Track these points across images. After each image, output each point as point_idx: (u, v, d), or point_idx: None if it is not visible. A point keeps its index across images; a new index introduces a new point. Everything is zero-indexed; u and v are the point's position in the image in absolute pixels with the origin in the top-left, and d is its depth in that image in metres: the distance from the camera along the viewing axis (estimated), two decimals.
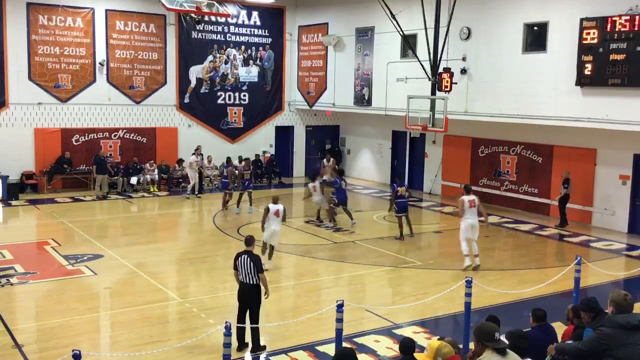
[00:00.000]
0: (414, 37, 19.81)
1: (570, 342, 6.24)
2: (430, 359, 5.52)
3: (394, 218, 16.51)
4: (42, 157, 21.59)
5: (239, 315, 9.11)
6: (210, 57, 24.61)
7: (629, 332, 5.51)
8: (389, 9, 18.16)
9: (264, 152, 25.62)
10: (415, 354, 6.06)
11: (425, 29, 17.80)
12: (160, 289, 11.93)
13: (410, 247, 15.60)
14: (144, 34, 23.13)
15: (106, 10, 22.29)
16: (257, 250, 9.63)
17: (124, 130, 23.05)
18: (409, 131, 20.25)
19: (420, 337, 9.49)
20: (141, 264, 13.48)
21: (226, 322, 7.43)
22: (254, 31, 25.51)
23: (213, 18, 23.97)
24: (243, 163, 19.84)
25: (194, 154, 22.04)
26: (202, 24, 23.84)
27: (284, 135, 26.73)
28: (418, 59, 18.23)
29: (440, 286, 11.61)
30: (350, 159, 26.86)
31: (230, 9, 24.05)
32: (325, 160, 22.32)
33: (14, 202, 19.82)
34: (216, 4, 21.39)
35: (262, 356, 8.99)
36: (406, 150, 24.27)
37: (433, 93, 18.02)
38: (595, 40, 15.50)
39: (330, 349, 8.72)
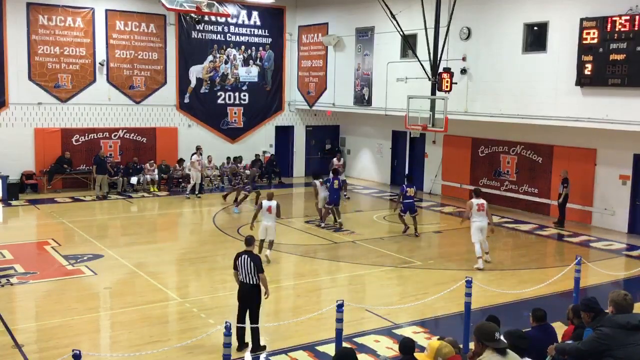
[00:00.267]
0: (414, 37, 19.81)
1: (570, 342, 6.24)
2: (431, 359, 5.51)
3: (395, 218, 16.55)
4: (42, 157, 21.59)
5: (239, 315, 9.11)
6: (210, 57, 24.61)
7: (629, 332, 5.51)
8: (389, 9, 18.16)
9: (264, 152, 25.62)
10: (415, 354, 6.06)
11: (425, 29, 17.80)
12: (160, 289, 11.93)
13: (410, 247, 15.60)
14: (144, 34, 23.13)
15: (106, 10, 22.29)
16: (257, 250, 9.61)
17: (124, 130, 23.05)
18: (409, 131, 20.25)
19: (420, 337, 9.50)
20: (141, 264, 13.48)
21: (226, 322, 7.43)
22: (254, 31, 25.51)
23: (213, 18, 23.98)
24: (256, 165, 20.46)
25: (195, 153, 22.04)
26: (202, 24, 23.84)
27: (284, 135, 26.73)
28: (418, 59, 18.23)
29: (440, 286, 11.60)
30: (350, 159, 26.86)
31: (230, 9, 24.06)
32: (335, 159, 22.85)
33: (14, 202, 19.82)
34: (216, 4, 21.38)
35: (262, 356, 8.99)
36: (406, 150, 24.28)
37: (433, 93, 18.02)
38: (595, 40, 15.50)
39: (330, 349, 8.72)
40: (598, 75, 15.56)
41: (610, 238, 16.65)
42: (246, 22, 25.29)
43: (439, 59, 17.84)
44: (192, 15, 21.86)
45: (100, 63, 22.33)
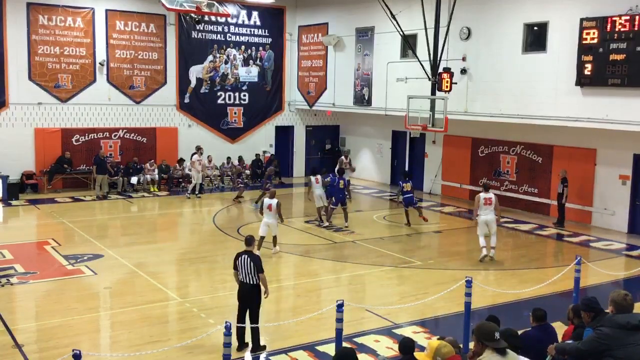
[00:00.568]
0: (414, 37, 19.81)
1: (570, 342, 6.24)
2: (430, 359, 5.51)
3: (395, 218, 16.63)
4: (42, 157, 21.60)
5: (238, 315, 9.11)
6: (210, 57, 24.62)
7: (629, 332, 5.51)
8: (389, 9, 18.17)
9: (264, 152, 25.59)
10: (415, 354, 6.06)
11: (425, 29, 17.81)
12: (160, 288, 11.93)
13: (410, 247, 15.61)
14: (144, 34, 23.13)
15: (106, 10, 22.29)
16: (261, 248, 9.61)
17: (124, 130, 23.05)
18: (409, 131, 20.25)
19: (420, 337, 9.50)
20: (141, 264, 13.48)
21: (226, 322, 7.43)
22: (254, 31, 25.52)
23: (213, 18, 23.98)
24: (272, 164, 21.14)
25: (195, 153, 22.04)
26: (202, 24, 23.84)
27: (284, 135, 26.73)
28: (418, 59, 18.24)
29: (440, 286, 11.60)
30: (350, 159, 26.82)
31: (230, 9, 24.06)
32: (343, 157, 23.06)
33: (14, 202, 19.82)
34: (216, 4, 21.39)
35: (262, 356, 8.99)
36: (406, 150, 24.28)
37: (433, 93, 18.03)
38: (595, 40, 15.50)
39: (330, 349, 8.72)
40: (598, 75, 15.56)
41: (610, 238, 16.65)
42: (246, 22, 25.29)
43: (439, 59, 17.85)
44: (192, 15, 21.87)
45: (100, 63, 22.33)
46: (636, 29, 14.73)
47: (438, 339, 6.16)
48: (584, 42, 15.78)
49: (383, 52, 22.22)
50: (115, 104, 22.84)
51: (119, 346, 9.28)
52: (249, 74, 25.59)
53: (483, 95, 18.66)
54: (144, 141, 23.45)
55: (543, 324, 7.12)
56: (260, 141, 25.87)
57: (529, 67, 17.46)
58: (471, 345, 5.91)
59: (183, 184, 22.88)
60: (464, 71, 18.95)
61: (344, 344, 8.24)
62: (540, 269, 13.73)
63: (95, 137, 22.55)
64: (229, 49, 25.00)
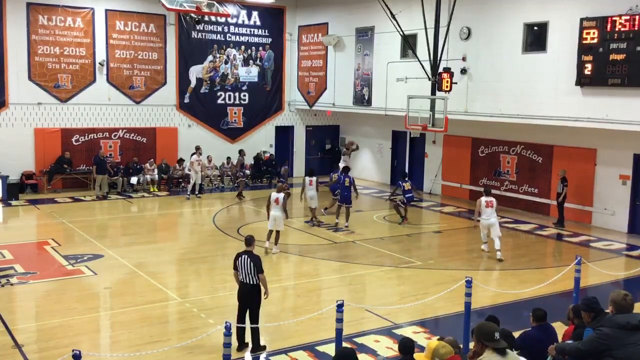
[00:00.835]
0: (414, 37, 19.81)
1: (570, 342, 6.24)
2: (428, 359, 5.50)
3: (396, 218, 16.68)
4: (42, 157, 21.59)
5: (238, 315, 9.11)
6: (210, 57, 24.61)
7: (629, 332, 5.51)
8: (389, 9, 18.16)
9: (264, 152, 25.56)
10: (415, 355, 6.06)
11: (425, 29, 17.80)
12: (160, 289, 11.93)
13: (410, 247, 15.62)
14: (144, 34, 23.13)
15: (106, 10, 22.29)
16: (257, 250, 9.61)
17: (124, 130, 23.05)
18: (409, 131, 20.25)
19: (420, 337, 9.50)
20: (141, 264, 13.48)
21: (226, 322, 7.43)
22: (254, 31, 25.52)
23: (213, 18, 23.98)
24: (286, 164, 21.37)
25: (194, 153, 22.04)
26: (202, 24, 23.84)
27: (284, 135, 26.73)
28: (418, 59, 18.24)
29: (440, 286, 11.60)
30: (350, 159, 26.82)
31: (230, 9, 24.05)
32: (347, 156, 22.82)
33: (14, 202, 19.82)
34: (216, 4, 21.38)
35: (262, 356, 9.00)
36: (406, 150, 24.28)
37: (433, 93, 18.03)
38: (595, 40, 15.50)
39: (330, 349, 8.72)
40: (598, 75, 15.56)
41: (610, 238, 16.65)
42: (246, 22, 25.29)
43: (439, 59, 17.85)
44: (192, 15, 21.87)
45: (100, 63, 22.33)
46: (636, 29, 14.73)
47: (438, 339, 6.15)
48: (584, 42, 15.78)
49: (383, 52, 22.21)
50: (115, 104, 22.84)
51: (119, 346, 9.28)
52: (249, 74, 25.59)
53: (483, 95, 18.66)
54: (144, 141, 23.45)
55: (543, 324, 7.12)
56: (260, 141, 25.87)
57: (529, 67, 17.46)
58: (471, 345, 5.91)
59: (183, 184, 22.88)
60: (464, 71, 18.94)
61: (344, 344, 8.24)
62: (540, 269, 13.73)
63: (95, 137, 22.55)
64: (229, 49, 25.00)
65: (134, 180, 22.19)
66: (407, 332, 9.65)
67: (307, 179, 17.78)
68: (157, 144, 23.64)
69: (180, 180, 23.12)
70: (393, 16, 18.20)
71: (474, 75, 18.89)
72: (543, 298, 10.99)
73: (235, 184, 22.62)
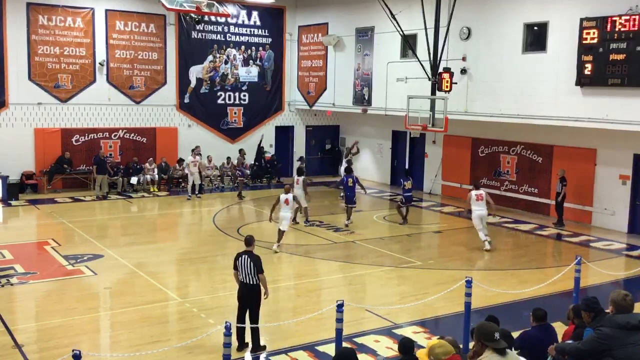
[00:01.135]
0: (414, 37, 19.81)
1: (570, 342, 6.24)
2: (427, 358, 5.48)
3: (395, 217, 16.70)
4: (42, 157, 21.59)
5: (238, 315, 9.11)
6: (210, 57, 24.61)
7: (629, 332, 5.51)
8: (389, 9, 18.17)
9: (265, 151, 25.51)
10: (418, 352, 6.04)
11: (425, 29, 17.81)
12: (160, 289, 11.93)
13: (410, 247, 15.62)
14: (144, 34, 23.13)
15: (106, 10, 22.29)
16: (257, 250, 9.61)
17: (124, 130, 23.05)
18: (409, 131, 20.25)
19: (420, 337, 9.51)
20: (141, 264, 13.48)
21: (226, 322, 7.43)
22: (254, 31, 25.52)
23: (213, 18, 23.97)
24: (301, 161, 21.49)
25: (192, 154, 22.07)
26: (202, 24, 23.83)
27: (284, 135, 26.73)
28: (418, 59, 18.24)
29: (440, 286, 11.60)
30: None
31: (230, 9, 24.05)
32: (349, 159, 22.88)
33: (14, 202, 19.82)
34: (216, 4, 21.38)
35: (262, 356, 9.00)
36: (406, 150, 24.28)
37: (433, 93, 18.03)
38: (595, 40, 15.50)
39: (330, 349, 8.72)
40: (598, 75, 15.56)
41: (610, 238, 16.65)
42: (246, 22, 25.29)
43: (439, 59, 17.85)
44: (192, 15, 21.85)
45: (100, 63, 22.33)
46: (636, 29, 14.73)
47: (438, 339, 6.14)
48: (584, 42, 15.78)
49: (383, 52, 22.21)
50: (115, 104, 22.83)
51: (119, 346, 9.28)
52: (249, 74, 25.59)
53: (483, 95, 18.65)
54: (144, 141, 23.45)
55: (543, 324, 7.12)
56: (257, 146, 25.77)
57: (529, 67, 17.46)
58: (471, 345, 5.91)
59: (183, 184, 22.87)
60: (464, 71, 18.94)
61: (344, 344, 8.24)
62: (540, 269, 13.73)
63: (95, 137, 22.55)
64: (229, 49, 25.00)
65: (134, 180, 22.19)
66: (407, 332, 9.65)
67: (295, 177, 17.82)
68: (157, 144, 23.64)
69: (180, 180, 23.11)
70: (393, 16, 18.20)
71: (474, 75, 18.89)
72: (543, 298, 10.99)
73: (235, 184, 22.60)
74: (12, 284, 11.94)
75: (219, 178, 23.95)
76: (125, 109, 23.08)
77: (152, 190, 22.38)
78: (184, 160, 23.00)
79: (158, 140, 23.66)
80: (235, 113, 25.41)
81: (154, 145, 23.57)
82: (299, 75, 26.52)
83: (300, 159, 24.16)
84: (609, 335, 5.55)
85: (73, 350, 6.14)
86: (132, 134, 23.23)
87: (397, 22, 18.32)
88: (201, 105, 24.59)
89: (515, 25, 17.79)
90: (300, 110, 26.83)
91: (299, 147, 27.09)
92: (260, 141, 24.96)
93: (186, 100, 24.27)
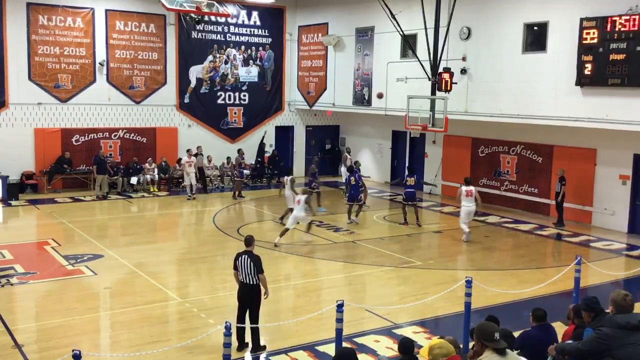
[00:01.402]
0: (414, 37, 19.82)
1: (570, 342, 6.24)
2: (426, 357, 5.46)
3: (395, 218, 16.70)
4: (42, 157, 21.59)
5: (238, 315, 9.11)
6: (210, 57, 24.62)
7: (629, 332, 5.51)
8: (389, 9, 18.18)
9: (265, 151, 25.54)
10: (420, 350, 6.03)
11: (425, 29, 17.81)
12: (160, 289, 11.93)
13: (410, 247, 15.62)
14: (144, 34, 23.13)
15: (106, 10, 22.29)
16: (257, 249, 9.61)
17: (124, 130, 23.05)
18: (409, 131, 20.25)
19: (420, 337, 9.50)
20: (141, 264, 13.48)
21: (226, 322, 7.43)
22: (253, 31, 25.52)
23: (213, 18, 23.97)
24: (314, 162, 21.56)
25: (196, 154, 22.04)
26: (202, 24, 23.84)
27: (284, 135, 26.73)
28: (418, 59, 18.25)
29: (440, 286, 11.60)
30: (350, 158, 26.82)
31: (230, 9, 24.05)
32: (347, 154, 23.44)
33: (14, 202, 19.82)
34: (216, 4, 21.38)
35: (262, 356, 8.99)
36: (406, 150, 24.29)
37: (433, 93, 18.03)
38: (595, 40, 15.50)
39: (330, 349, 8.72)
40: (598, 75, 15.56)
41: (610, 238, 16.65)
42: (246, 22, 25.29)
43: (439, 59, 17.85)
44: (192, 15, 21.85)
45: (100, 63, 22.33)
46: (636, 29, 14.73)
47: (438, 338, 6.13)
48: (584, 42, 15.78)
49: (383, 52, 22.21)
50: (115, 104, 22.84)
51: (119, 346, 9.28)
52: (249, 74, 25.59)
53: (483, 95, 18.66)
54: (144, 141, 23.45)
55: (543, 324, 7.12)
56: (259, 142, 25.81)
57: (529, 67, 17.46)
58: (471, 345, 5.91)
59: (183, 184, 22.84)
60: (464, 71, 18.94)
61: (344, 344, 8.24)
62: (540, 269, 13.73)
63: (95, 137, 22.55)
64: (229, 49, 25.00)
65: (134, 180, 22.19)
66: (407, 332, 9.65)
67: (286, 177, 17.84)
68: (157, 144, 23.64)
69: (180, 180, 23.08)
70: (393, 16, 18.21)
71: (474, 75, 18.89)
72: (543, 298, 10.98)
73: (233, 179, 22.50)
74: (12, 284, 11.93)
75: (219, 178, 23.94)
76: (125, 109, 23.08)
77: (152, 190, 22.38)
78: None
79: (158, 140, 23.66)
80: (235, 113, 25.41)
81: (154, 145, 23.57)
82: (299, 75, 26.52)
83: (313, 161, 23.92)
84: (609, 335, 5.55)
85: (73, 350, 6.14)
86: (132, 134, 23.23)
87: (397, 22, 18.32)
88: (201, 105, 24.59)
89: (515, 25, 17.79)
90: (300, 110, 26.83)
91: (299, 147, 27.10)
92: (263, 138, 25.02)
93: (186, 100, 24.27)
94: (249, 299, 9.05)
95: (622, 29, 14.98)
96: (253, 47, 25.56)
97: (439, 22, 17.69)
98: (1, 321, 9.97)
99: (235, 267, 9.19)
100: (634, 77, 14.86)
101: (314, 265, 13.97)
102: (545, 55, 17.08)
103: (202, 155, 22.63)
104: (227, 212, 19.72)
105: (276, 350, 9.13)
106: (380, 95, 21.88)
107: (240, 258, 9.16)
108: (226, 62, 25.01)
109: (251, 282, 9.02)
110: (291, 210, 17.16)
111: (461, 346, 7.17)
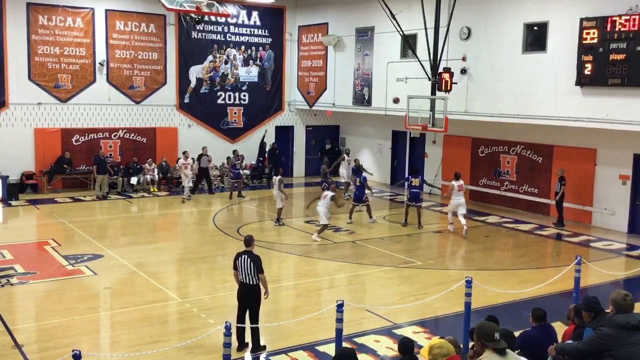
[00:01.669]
0: (414, 37, 19.82)
1: (570, 342, 6.24)
2: (426, 357, 5.46)
3: (395, 217, 16.67)
4: (42, 157, 21.59)
5: (238, 315, 9.11)
6: (210, 57, 24.61)
7: (629, 332, 5.51)
8: (389, 9, 18.18)
9: (266, 150, 25.50)
10: (421, 350, 6.03)
11: (425, 29, 17.81)
12: (160, 289, 11.93)
13: (410, 247, 15.62)
14: (144, 34, 23.13)
15: (106, 10, 22.29)
16: (257, 250, 9.61)
17: (124, 130, 23.05)
18: (409, 131, 20.25)
19: (420, 337, 9.51)
20: (141, 264, 13.48)
21: (226, 322, 7.43)
22: (253, 31, 25.52)
23: (213, 18, 23.97)
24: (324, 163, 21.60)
25: (201, 155, 22.06)
26: (202, 24, 23.83)
27: (284, 135, 26.73)
28: (418, 59, 18.25)
29: (440, 286, 11.61)
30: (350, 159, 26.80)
31: (230, 9, 24.05)
32: (345, 155, 23.09)
33: (14, 202, 19.82)
34: (216, 4, 21.38)
35: (262, 356, 9.00)
36: (406, 150, 24.28)
37: (433, 93, 18.03)
38: (595, 40, 15.50)
39: (330, 349, 8.72)
40: (598, 75, 15.56)
41: (610, 238, 16.65)
42: (246, 22, 25.29)
43: (439, 59, 17.85)
44: (192, 15, 21.85)
45: (100, 63, 22.33)
46: (636, 29, 14.73)
47: (439, 338, 6.12)
48: (584, 42, 15.78)
49: (383, 52, 22.21)
50: (115, 104, 22.83)
51: (119, 346, 9.28)
52: (249, 74, 25.59)
53: (483, 95, 18.65)
54: (144, 141, 23.45)
55: (543, 324, 7.12)
56: (260, 141, 25.82)
57: (529, 67, 17.46)
58: (471, 345, 5.91)
59: (182, 185, 22.80)
60: (464, 71, 18.94)
61: (344, 344, 8.24)
62: (540, 269, 13.73)
63: (95, 137, 22.55)
64: (229, 49, 25.00)
65: (134, 180, 22.19)
66: (407, 332, 9.65)
67: (274, 177, 17.89)
68: (157, 144, 23.64)
69: (180, 180, 23.06)
70: (393, 16, 18.21)
71: (474, 75, 18.89)
72: (543, 298, 10.99)
73: (235, 185, 22.44)
74: (12, 284, 11.94)
75: (219, 178, 23.93)
76: (125, 109, 23.07)
77: (152, 190, 22.38)
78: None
79: (158, 140, 23.66)
80: (235, 113, 25.41)
81: (154, 145, 23.57)
82: (299, 75, 26.52)
83: (324, 161, 23.81)
84: (609, 335, 5.55)
85: (73, 350, 6.14)
86: (132, 134, 23.23)
87: (397, 22, 18.32)
88: (201, 105, 24.59)
89: (515, 25, 17.79)
90: (300, 110, 26.83)
91: (299, 147, 27.10)
92: (263, 137, 25.01)
93: (186, 100, 24.27)
94: (249, 299, 9.05)
95: (622, 29, 14.98)
96: (253, 47, 25.56)
97: (439, 22, 17.69)
98: (1, 321, 9.97)
99: (235, 267, 9.19)
100: (634, 77, 14.86)
101: (314, 265, 13.97)
102: (545, 55, 17.08)
103: (208, 155, 22.55)
104: (227, 212, 19.72)
105: (276, 350, 9.13)
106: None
107: (240, 258, 9.16)
108: (226, 62, 25.00)
109: (251, 282, 9.02)
110: (281, 210, 17.22)
111: (461, 346, 7.17)
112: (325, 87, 25.12)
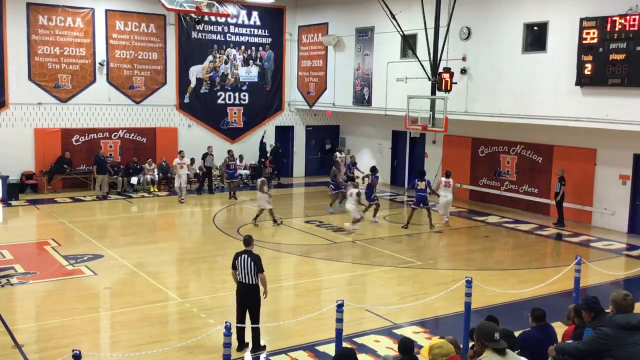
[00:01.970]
0: (414, 37, 19.82)
1: (570, 342, 6.24)
2: (426, 357, 5.46)
3: (395, 218, 16.65)
4: (42, 157, 21.59)
5: (238, 315, 9.10)
6: (210, 57, 24.61)
7: (629, 332, 5.51)
8: (389, 9, 18.18)
9: (266, 151, 25.50)
10: (421, 350, 6.03)
11: (425, 29, 17.82)
12: (160, 289, 11.93)
13: (410, 247, 15.62)
14: (144, 34, 23.13)
15: (106, 11, 22.29)
16: (257, 249, 9.61)
17: (124, 130, 23.05)
18: (409, 131, 20.25)
19: (420, 337, 9.51)
20: (141, 264, 13.48)
21: (226, 322, 7.43)
22: (253, 31, 25.51)
23: (213, 18, 23.97)
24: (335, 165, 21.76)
25: (206, 154, 22.06)
26: (202, 24, 23.83)
27: (284, 135, 26.72)
28: (418, 59, 18.25)
29: (440, 286, 11.61)
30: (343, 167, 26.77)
31: (230, 9, 24.05)
32: (339, 153, 23.26)
33: (14, 202, 19.82)
34: (216, 4, 21.38)
35: (262, 356, 8.99)
36: (406, 150, 24.28)
37: (433, 93, 18.04)
38: (595, 40, 15.51)
39: (330, 349, 8.72)
40: (598, 75, 15.56)
41: (610, 238, 16.65)
42: (246, 22, 25.29)
43: (439, 59, 17.86)
44: (192, 15, 21.85)
45: (100, 63, 22.33)
46: (636, 29, 14.73)
47: (439, 338, 6.12)
48: (584, 42, 15.78)
49: (383, 52, 22.21)
50: (115, 104, 22.83)
51: (119, 346, 9.28)
52: (249, 74, 25.59)
53: (483, 95, 18.66)
54: (144, 141, 23.45)
55: (543, 324, 7.11)
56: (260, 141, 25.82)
57: (529, 67, 17.46)
58: (471, 345, 5.91)
59: (175, 185, 22.71)
60: (464, 71, 18.94)
61: (344, 344, 8.24)
62: (540, 269, 13.73)
63: (95, 137, 22.54)
64: (229, 49, 24.99)
65: (134, 180, 22.19)
66: (407, 332, 9.65)
67: (258, 179, 17.98)
68: (157, 144, 23.63)
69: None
70: (393, 16, 18.21)
71: (474, 75, 18.89)
72: (543, 298, 10.99)
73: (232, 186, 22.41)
74: (12, 284, 11.94)
75: (218, 178, 23.92)
76: (125, 109, 23.07)
77: (152, 190, 22.38)
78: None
79: (158, 140, 23.66)
80: (235, 113, 25.40)
81: (154, 145, 23.57)
82: (299, 75, 26.52)
83: (332, 160, 23.71)
84: (609, 335, 5.55)
85: (73, 350, 6.14)
86: (132, 134, 23.23)
87: (397, 22, 18.32)
88: (201, 105, 24.59)
89: (515, 25, 17.79)
90: (300, 110, 26.83)
91: (299, 147, 27.09)
92: (262, 137, 24.99)
93: (186, 100, 24.27)
94: (248, 299, 9.05)
95: (622, 29, 14.98)
96: (253, 47, 25.56)
97: (439, 22, 17.69)
98: (1, 321, 9.97)
99: (234, 267, 9.18)
100: (634, 77, 14.86)
101: (314, 265, 13.97)
102: (545, 55, 17.08)
103: (212, 155, 22.46)
104: (227, 212, 19.72)
105: (276, 350, 9.13)
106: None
107: (239, 257, 9.15)
108: (226, 62, 25.00)
109: (250, 282, 9.01)
110: (262, 211, 17.15)
111: (461, 346, 7.18)
112: (325, 87, 25.12)
